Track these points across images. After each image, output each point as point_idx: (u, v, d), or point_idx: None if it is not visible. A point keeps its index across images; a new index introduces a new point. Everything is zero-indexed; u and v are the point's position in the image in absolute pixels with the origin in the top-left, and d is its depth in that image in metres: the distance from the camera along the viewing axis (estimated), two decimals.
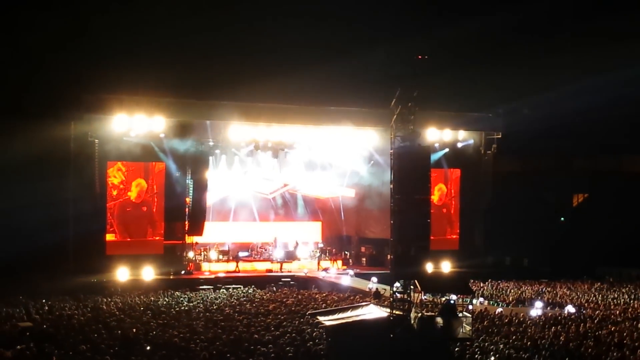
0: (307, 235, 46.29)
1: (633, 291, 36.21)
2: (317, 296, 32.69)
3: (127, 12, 40.76)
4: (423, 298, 25.38)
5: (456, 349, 21.27)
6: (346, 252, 45.83)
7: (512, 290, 36.42)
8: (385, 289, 30.90)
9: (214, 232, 43.18)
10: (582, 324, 25.15)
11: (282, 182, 46.52)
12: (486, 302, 32.31)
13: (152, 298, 31.15)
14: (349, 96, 41.93)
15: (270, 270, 41.49)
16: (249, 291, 34.90)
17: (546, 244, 46.27)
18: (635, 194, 48.59)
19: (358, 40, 44.33)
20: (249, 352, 19.76)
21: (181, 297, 31.57)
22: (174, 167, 40.04)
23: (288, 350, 20.04)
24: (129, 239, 39.51)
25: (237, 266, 41.48)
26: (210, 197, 42.49)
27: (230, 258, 42.37)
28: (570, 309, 29.52)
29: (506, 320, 26.00)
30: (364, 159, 45.16)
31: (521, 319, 26.22)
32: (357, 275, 40.14)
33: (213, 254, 42.11)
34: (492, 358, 19.99)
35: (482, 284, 38.46)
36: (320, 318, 23.16)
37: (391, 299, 24.12)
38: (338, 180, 47.08)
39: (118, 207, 39.33)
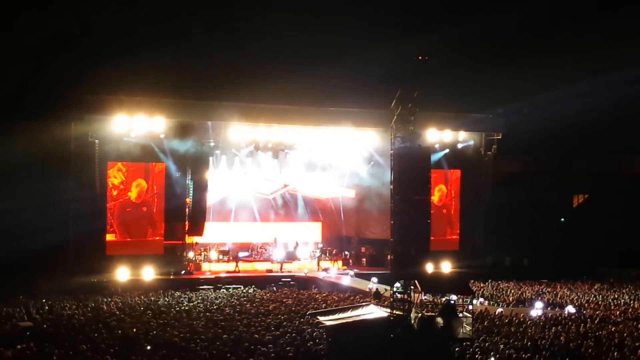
0: (307, 235, 46.28)
1: (633, 292, 36.25)
2: (317, 296, 32.69)
3: (127, 12, 40.77)
4: (423, 298, 25.40)
5: (456, 349, 21.27)
6: (346, 253, 45.84)
7: (512, 291, 36.43)
8: (385, 289, 30.91)
9: (214, 233, 43.18)
10: (582, 325, 25.17)
11: (282, 182, 46.50)
12: (486, 302, 32.31)
13: (152, 298, 31.15)
14: (349, 97, 41.95)
15: (270, 271, 41.50)
16: (249, 291, 34.91)
17: (546, 244, 46.24)
18: (635, 194, 48.62)
19: (358, 40, 44.35)
20: (249, 352, 19.75)
21: (181, 297, 31.56)
22: (174, 168, 40.04)
23: (288, 350, 20.04)
24: (129, 239, 39.51)
25: (236, 266, 41.49)
26: (211, 198, 42.49)
27: (230, 258, 42.39)
28: (570, 309, 29.54)
29: (506, 321, 26.01)
30: (364, 159, 45.13)
31: (521, 319, 26.23)
32: (357, 275, 40.16)
33: (213, 254, 42.13)
34: (493, 358, 19.98)
35: (482, 285, 38.48)
36: (321, 318, 23.17)
37: (391, 299, 24.14)
38: (338, 180, 47.06)
39: (118, 208, 39.33)
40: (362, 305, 25.22)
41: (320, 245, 45.49)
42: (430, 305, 26.81)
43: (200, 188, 40.23)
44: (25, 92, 38.66)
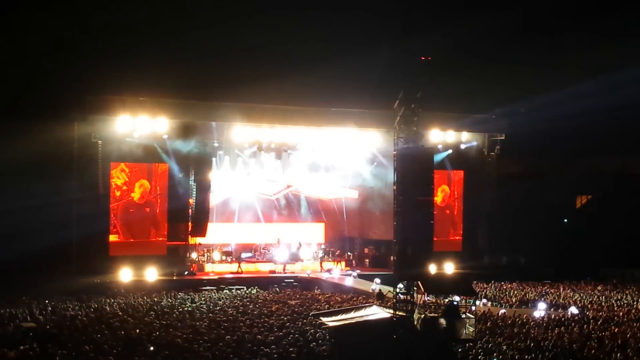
0: (310, 236, 46.29)
1: (636, 292, 36.19)
2: (320, 297, 32.71)
3: (130, 12, 40.78)
4: (426, 299, 25.39)
5: (459, 350, 21.24)
6: (349, 253, 45.84)
7: (515, 292, 36.39)
8: (388, 290, 30.88)
9: (217, 233, 43.20)
10: (585, 325, 25.15)
11: (285, 183, 46.48)
12: (489, 303, 32.29)
13: (156, 299, 31.18)
14: (352, 97, 41.92)
15: (273, 272, 41.48)
16: (252, 292, 34.92)
17: (549, 245, 46.21)
18: (638, 195, 48.53)
19: (361, 41, 44.32)
20: (252, 352, 19.76)
21: (184, 298, 31.57)
22: (177, 168, 40.03)
23: (291, 351, 20.03)
24: (132, 240, 39.52)
25: (239, 267, 41.49)
26: (214, 198, 42.52)
27: (233, 259, 42.41)
28: (573, 310, 29.51)
29: (509, 322, 25.99)
30: (367, 160, 45.10)
31: (524, 320, 26.21)
32: (360, 276, 40.16)
33: (216, 255, 42.14)
34: (495, 359, 19.95)
35: (485, 285, 38.43)
36: (324, 319, 23.16)
37: (394, 300, 24.12)
38: (341, 181, 47.06)
39: (121, 208, 39.35)
40: (365, 306, 25.19)
41: (323, 246, 45.51)
42: (433, 306, 26.82)
43: (203, 189, 40.26)
44: (28, 93, 38.70)
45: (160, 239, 40.07)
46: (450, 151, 44.66)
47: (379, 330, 22.11)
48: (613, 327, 25.20)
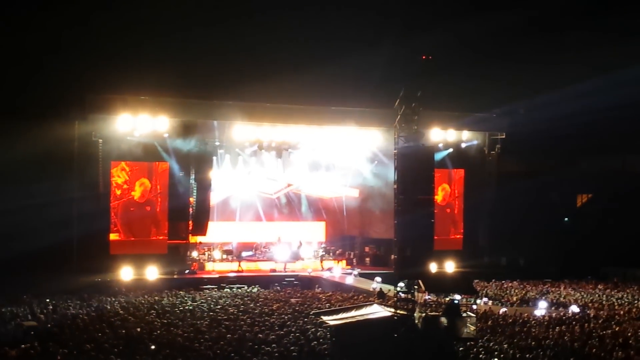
0: (311, 235, 46.32)
1: (637, 291, 36.19)
2: (321, 296, 32.68)
3: (131, 12, 40.79)
4: (427, 298, 25.37)
5: (460, 349, 21.22)
6: (350, 252, 45.85)
7: (516, 291, 36.38)
8: (389, 289, 30.88)
9: (217, 232, 43.22)
10: (586, 324, 25.12)
11: (285, 182, 46.52)
12: (490, 302, 32.24)
13: (156, 297, 31.15)
14: (352, 96, 41.92)
15: (274, 270, 41.50)
16: (253, 291, 34.94)
17: (550, 244, 46.21)
18: (639, 194, 48.51)
19: (362, 40, 44.32)
20: (253, 351, 19.75)
21: (185, 297, 31.56)
22: (178, 167, 40.02)
23: (292, 349, 20.03)
24: (132, 239, 39.54)
25: (239, 266, 41.50)
26: (214, 197, 42.56)
27: (234, 258, 42.43)
28: (574, 309, 29.50)
29: (510, 321, 25.95)
30: (368, 159, 45.09)
31: (525, 319, 26.18)
32: (361, 275, 40.10)
33: (217, 254, 42.15)
34: (496, 358, 19.94)
35: (486, 284, 38.42)
36: (324, 318, 23.12)
37: (395, 298, 24.10)
38: (342, 180, 47.07)
39: (122, 207, 39.36)
40: (366, 305, 25.15)
41: (324, 245, 45.53)
42: (434, 305, 26.81)
43: (204, 187, 40.29)
44: (29, 92, 38.72)
45: (161, 237, 40.07)
46: (450, 150, 44.62)
47: (380, 329, 22.06)
48: (614, 325, 25.17)
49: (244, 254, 43.65)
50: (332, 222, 48.06)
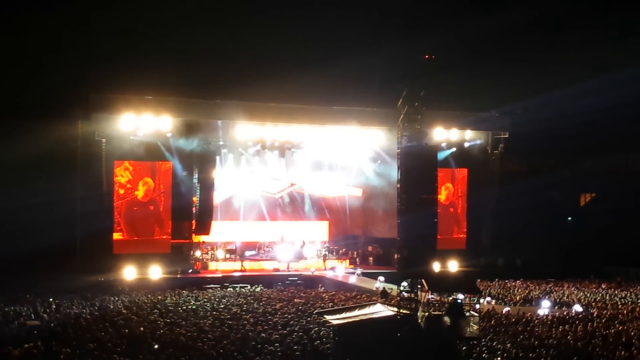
0: (314, 234, 46.37)
1: None
2: (324, 295, 32.66)
3: (134, 11, 40.80)
4: (430, 297, 25.41)
5: (463, 348, 21.22)
6: (353, 252, 45.85)
7: (519, 290, 36.37)
8: (392, 288, 30.88)
9: (221, 231, 43.25)
10: (589, 323, 25.09)
11: (289, 181, 46.55)
12: (493, 301, 32.26)
13: (159, 297, 31.15)
14: (355, 96, 41.98)
15: (277, 270, 41.50)
16: (256, 290, 34.93)
17: (553, 243, 46.17)
18: None
19: (365, 39, 44.31)
20: (256, 350, 19.74)
21: (188, 296, 31.56)
22: (181, 167, 40.05)
23: (295, 349, 20.02)
24: (136, 238, 39.60)
25: (242, 265, 41.52)
26: (217, 196, 42.57)
27: (237, 257, 42.46)
28: (577, 308, 29.47)
29: (513, 320, 25.94)
30: (371, 158, 45.15)
31: (528, 318, 26.16)
32: (364, 274, 40.15)
33: (220, 253, 42.18)
34: (499, 357, 19.93)
35: (489, 283, 38.43)
36: (327, 317, 23.19)
37: (398, 298, 24.13)
38: (345, 179, 47.11)
39: (125, 206, 39.41)
40: (369, 304, 25.22)
41: (327, 245, 45.57)
42: (437, 304, 26.86)
43: (207, 187, 40.31)
44: (32, 91, 38.73)
45: (164, 237, 40.14)
46: (454, 149, 44.69)
47: (383, 328, 22.12)
48: (617, 324, 25.14)
49: (247, 253, 43.68)
50: (335, 222, 48.10)
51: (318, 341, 21.14)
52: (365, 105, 41.62)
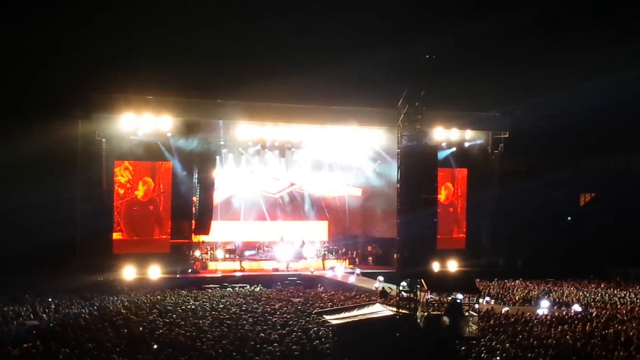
0: (314, 234, 46.36)
1: None
2: (323, 295, 32.68)
3: (134, 11, 40.80)
4: (429, 297, 25.41)
5: (462, 348, 21.23)
6: (353, 251, 45.85)
7: (518, 290, 36.38)
8: (391, 288, 30.90)
9: (220, 231, 43.24)
10: (588, 323, 25.10)
11: (288, 181, 46.53)
12: (492, 301, 32.28)
13: (159, 297, 31.16)
14: (356, 95, 41.98)
15: (276, 269, 41.51)
16: (256, 290, 34.96)
17: (553, 243, 46.15)
18: None
19: (365, 39, 44.29)
20: (255, 350, 19.74)
21: (188, 296, 31.56)
22: (181, 166, 40.06)
23: (294, 349, 20.02)
24: (135, 238, 39.61)
25: (241, 265, 41.53)
26: (217, 196, 42.57)
27: (237, 257, 42.46)
28: (576, 308, 29.49)
29: (512, 320, 25.95)
30: (371, 158, 45.16)
31: (527, 318, 26.17)
32: (363, 274, 40.17)
33: (219, 253, 42.19)
34: (498, 357, 19.95)
35: (488, 283, 38.43)
36: (327, 317, 23.21)
37: (397, 298, 24.13)
38: (345, 179, 47.11)
39: (125, 206, 39.42)
40: (368, 304, 25.25)
41: (327, 244, 45.57)
42: (436, 304, 26.87)
43: (207, 187, 40.32)
44: (32, 91, 38.72)
45: (164, 237, 40.15)
46: (454, 149, 44.71)
47: (382, 328, 22.15)
48: (616, 324, 25.16)
49: (247, 253, 43.70)
50: (334, 222, 48.08)
51: (317, 341, 21.15)
52: (366, 105, 41.61)
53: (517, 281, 39.84)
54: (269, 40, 44.50)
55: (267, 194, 46.19)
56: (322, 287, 36.98)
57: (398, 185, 24.97)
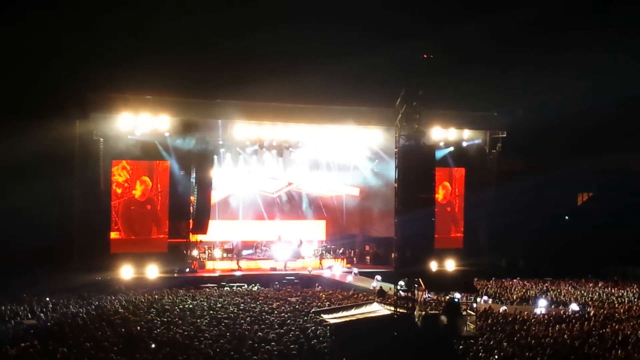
0: (312, 233, 46.37)
1: (637, 290, 36.20)
2: (321, 294, 32.69)
3: (132, 11, 40.78)
4: (427, 296, 25.41)
5: (460, 347, 21.24)
6: (350, 251, 45.85)
7: (516, 289, 36.40)
8: (389, 288, 30.90)
9: (218, 231, 43.24)
10: (586, 322, 25.13)
11: (286, 180, 46.54)
12: (490, 300, 32.29)
13: (156, 296, 31.15)
14: (353, 95, 41.94)
15: (274, 269, 41.51)
16: (253, 289, 34.97)
17: (550, 242, 46.15)
18: None
19: (363, 39, 44.28)
20: (253, 349, 19.75)
21: (185, 295, 31.56)
22: (178, 166, 40.04)
23: (292, 348, 20.02)
24: (133, 237, 39.60)
25: (238, 264, 41.52)
26: (215, 196, 42.57)
27: (234, 256, 42.46)
28: (574, 307, 29.52)
29: (510, 319, 25.98)
30: (369, 157, 45.18)
31: (525, 318, 26.21)
32: (361, 273, 40.17)
33: (217, 253, 42.19)
34: (496, 356, 19.96)
35: (486, 283, 38.46)
36: (324, 316, 23.19)
37: (395, 297, 24.13)
38: (342, 179, 47.11)
39: (123, 205, 39.41)
40: (366, 304, 25.23)
41: (324, 244, 45.57)
42: (434, 304, 26.89)
43: (205, 186, 40.34)
44: (30, 91, 38.68)
45: (162, 236, 40.13)
46: (451, 148, 44.70)
47: (380, 327, 22.13)
48: (614, 324, 25.19)
49: (245, 252, 43.71)
50: (332, 221, 48.08)
51: (315, 340, 21.15)
52: (363, 104, 41.62)
53: (514, 280, 39.88)
54: (267, 40, 44.54)
55: (264, 193, 46.21)
56: (320, 287, 36.98)
57: (396, 185, 24.98)
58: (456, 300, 23.66)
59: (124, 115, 37.81)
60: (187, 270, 39.70)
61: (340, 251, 45.08)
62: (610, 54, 43.91)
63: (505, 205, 45.00)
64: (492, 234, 45.65)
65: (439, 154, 42.69)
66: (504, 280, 39.73)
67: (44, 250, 34.57)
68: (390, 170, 38.21)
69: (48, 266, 34.60)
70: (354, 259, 45.27)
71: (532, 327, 24.42)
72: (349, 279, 38.71)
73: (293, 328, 22.78)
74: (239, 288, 35.54)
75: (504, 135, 44.91)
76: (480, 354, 20.29)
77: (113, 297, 30.41)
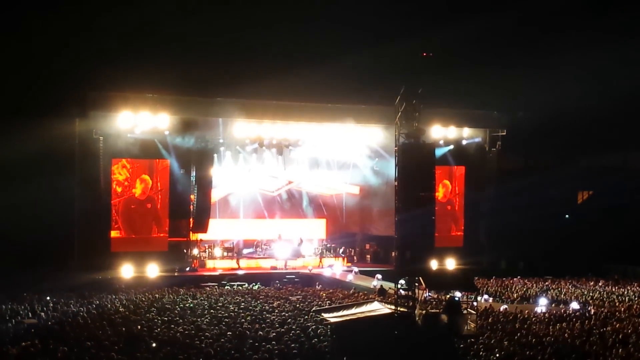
0: (312, 232, 46.34)
1: (638, 288, 36.21)
2: (321, 293, 32.70)
3: (132, 10, 40.74)
4: (427, 295, 25.39)
5: (460, 346, 21.22)
6: (351, 249, 45.83)
7: (516, 287, 36.39)
8: (389, 286, 30.88)
9: (218, 229, 43.22)
10: (586, 321, 25.14)
11: (286, 179, 46.52)
12: (491, 299, 32.28)
13: (157, 295, 31.15)
14: (353, 93, 41.89)
15: (274, 268, 41.50)
16: (254, 288, 34.96)
17: (551, 241, 46.16)
18: None
19: (363, 37, 44.28)
20: (254, 348, 19.76)
21: (186, 294, 31.55)
22: (178, 164, 40.01)
23: (292, 347, 20.03)
24: (133, 236, 39.58)
25: (237, 263, 41.50)
26: (215, 194, 42.55)
27: (235, 255, 42.44)
28: (575, 305, 29.50)
29: (511, 317, 25.97)
30: (369, 156, 45.15)
31: (526, 316, 26.20)
32: (361, 272, 40.16)
33: (217, 251, 42.17)
34: (497, 355, 19.95)
35: (486, 281, 38.45)
36: (325, 315, 23.15)
37: (396, 296, 24.10)
38: (342, 177, 47.10)
39: (123, 204, 39.38)
40: (367, 302, 25.19)
41: (325, 242, 45.56)
42: (434, 302, 26.86)
43: (205, 185, 40.32)
44: (30, 90, 38.67)
45: (162, 235, 40.12)
46: (451, 147, 44.64)
47: (381, 326, 22.09)
48: (614, 322, 25.19)
49: (245, 251, 43.67)
50: (332, 219, 48.06)
51: (315, 339, 21.15)
52: (363, 102, 41.60)
53: (515, 279, 39.86)
54: (267, 38, 44.50)
55: (264, 192, 46.21)
56: (320, 285, 36.97)
57: (396, 183, 24.94)
58: (457, 299, 23.64)
59: (124, 113, 37.75)
60: (188, 269, 39.70)
61: (341, 250, 45.04)
62: (610, 54, 43.88)
63: (505, 203, 45.01)
64: (492, 233, 45.61)
65: (439, 152, 42.63)
66: (504, 278, 39.71)
67: (44, 249, 34.61)
68: (390, 169, 38.24)
69: (48, 265, 34.64)
70: (354, 257, 45.24)
71: (533, 325, 24.42)
72: (350, 277, 38.70)
73: (294, 327, 22.79)
74: (239, 287, 35.52)
75: (504, 134, 44.85)
76: (481, 353, 20.30)
77: (114, 296, 30.40)
